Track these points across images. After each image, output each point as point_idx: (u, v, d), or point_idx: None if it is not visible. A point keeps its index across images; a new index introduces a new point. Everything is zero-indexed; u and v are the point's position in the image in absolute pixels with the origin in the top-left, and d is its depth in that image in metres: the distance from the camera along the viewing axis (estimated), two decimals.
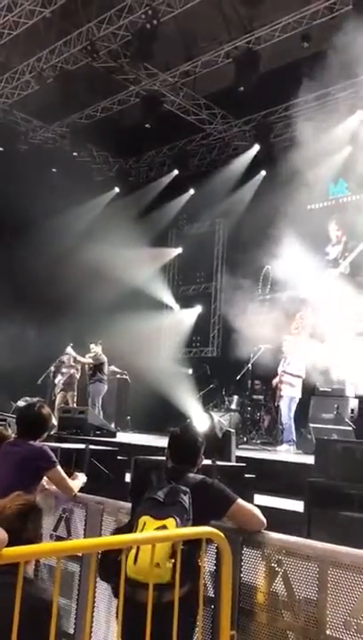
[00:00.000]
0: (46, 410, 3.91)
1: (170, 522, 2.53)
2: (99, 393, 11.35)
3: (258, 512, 2.87)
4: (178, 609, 2.17)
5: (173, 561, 2.36)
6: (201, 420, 7.55)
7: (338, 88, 11.36)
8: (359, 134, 11.48)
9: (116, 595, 2.63)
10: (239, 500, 2.82)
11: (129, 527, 2.73)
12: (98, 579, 2.83)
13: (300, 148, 11.43)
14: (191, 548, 2.37)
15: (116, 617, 2.26)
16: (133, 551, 2.46)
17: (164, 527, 2.52)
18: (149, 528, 2.55)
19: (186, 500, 2.62)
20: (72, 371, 12.14)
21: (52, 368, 11.87)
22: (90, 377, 11.64)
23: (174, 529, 2.50)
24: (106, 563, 2.53)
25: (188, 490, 2.67)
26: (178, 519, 2.54)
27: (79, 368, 12.22)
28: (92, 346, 11.59)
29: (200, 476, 2.87)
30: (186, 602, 2.28)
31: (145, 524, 2.57)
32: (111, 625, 3.26)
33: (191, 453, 2.97)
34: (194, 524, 2.50)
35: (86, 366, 11.79)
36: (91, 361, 11.55)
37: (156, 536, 2.42)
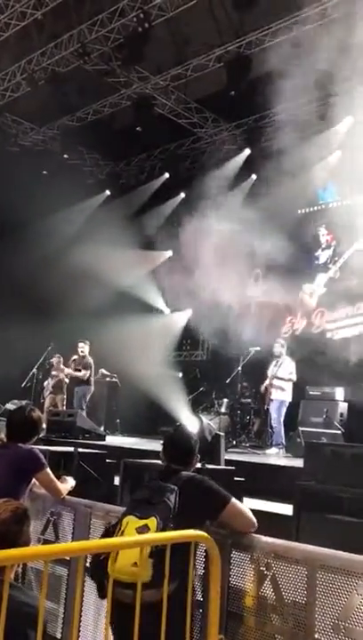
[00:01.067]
0: (37, 414, 3.92)
1: (151, 521, 2.53)
2: (86, 395, 11.22)
3: (250, 513, 2.88)
4: (162, 609, 2.16)
5: (151, 561, 2.35)
6: (191, 423, 7.54)
7: (328, 93, 11.41)
8: (349, 139, 11.56)
9: (100, 594, 2.64)
10: (234, 500, 2.83)
11: (115, 527, 2.73)
12: (86, 582, 2.82)
13: (290, 153, 11.48)
14: (174, 548, 2.34)
15: (106, 621, 2.24)
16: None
17: (145, 526, 2.52)
18: (131, 527, 2.55)
19: (171, 499, 2.62)
20: (61, 374, 12.06)
21: (35, 370, 11.70)
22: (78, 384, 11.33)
23: (155, 529, 2.50)
24: (93, 560, 2.55)
25: (175, 488, 2.67)
26: (159, 519, 2.53)
27: (68, 371, 12.12)
28: (81, 345, 11.26)
29: (191, 474, 2.88)
30: (171, 602, 2.27)
31: (128, 523, 2.57)
32: (99, 628, 3.24)
33: (186, 453, 2.99)
34: (188, 523, 2.47)
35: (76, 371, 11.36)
36: (82, 373, 11.07)
37: (144, 539, 2.41)
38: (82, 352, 11.21)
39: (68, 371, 11.43)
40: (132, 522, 2.56)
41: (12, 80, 12.32)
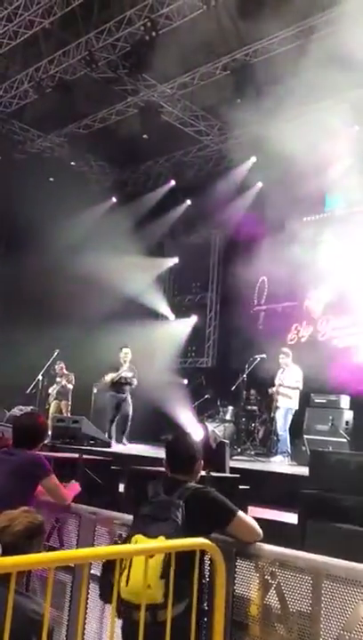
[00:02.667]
0: (43, 420, 3.93)
1: (160, 541, 2.51)
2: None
3: (255, 524, 2.86)
4: (175, 627, 2.15)
5: (163, 581, 2.35)
6: (196, 430, 7.53)
7: (336, 101, 11.43)
8: (356, 147, 11.57)
9: (101, 597, 2.64)
10: (240, 513, 2.81)
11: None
12: (90, 591, 2.82)
13: (296, 161, 11.49)
14: (185, 565, 2.32)
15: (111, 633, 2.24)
16: (125, 572, 2.44)
17: None
18: None
19: (178, 515, 2.60)
20: (64, 381, 12.07)
21: (40, 377, 11.67)
22: (123, 389, 10.70)
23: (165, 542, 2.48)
24: (104, 584, 2.54)
25: (181, 503, 2.65)
26: (166, 539, 2.51)
27: (72, 378, 12.14)
28: (126, 350, 10.68)
29: (198, 486, 2.86)
30: (183, 620, 2.27)
31: (137, 542, 2.56)
32: (103, 637, 3.23)
33: (187, 461, 2.96)
34: (194, 536, 2.47)
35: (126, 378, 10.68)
36: (136, 381, 10.67)
37: (149, 548, 2.40)
38: (126, 358, 10.64)
39: (123, 374, 10.63)
40: (141, 541, 2.55)
41: (20, 87, 12.41)
